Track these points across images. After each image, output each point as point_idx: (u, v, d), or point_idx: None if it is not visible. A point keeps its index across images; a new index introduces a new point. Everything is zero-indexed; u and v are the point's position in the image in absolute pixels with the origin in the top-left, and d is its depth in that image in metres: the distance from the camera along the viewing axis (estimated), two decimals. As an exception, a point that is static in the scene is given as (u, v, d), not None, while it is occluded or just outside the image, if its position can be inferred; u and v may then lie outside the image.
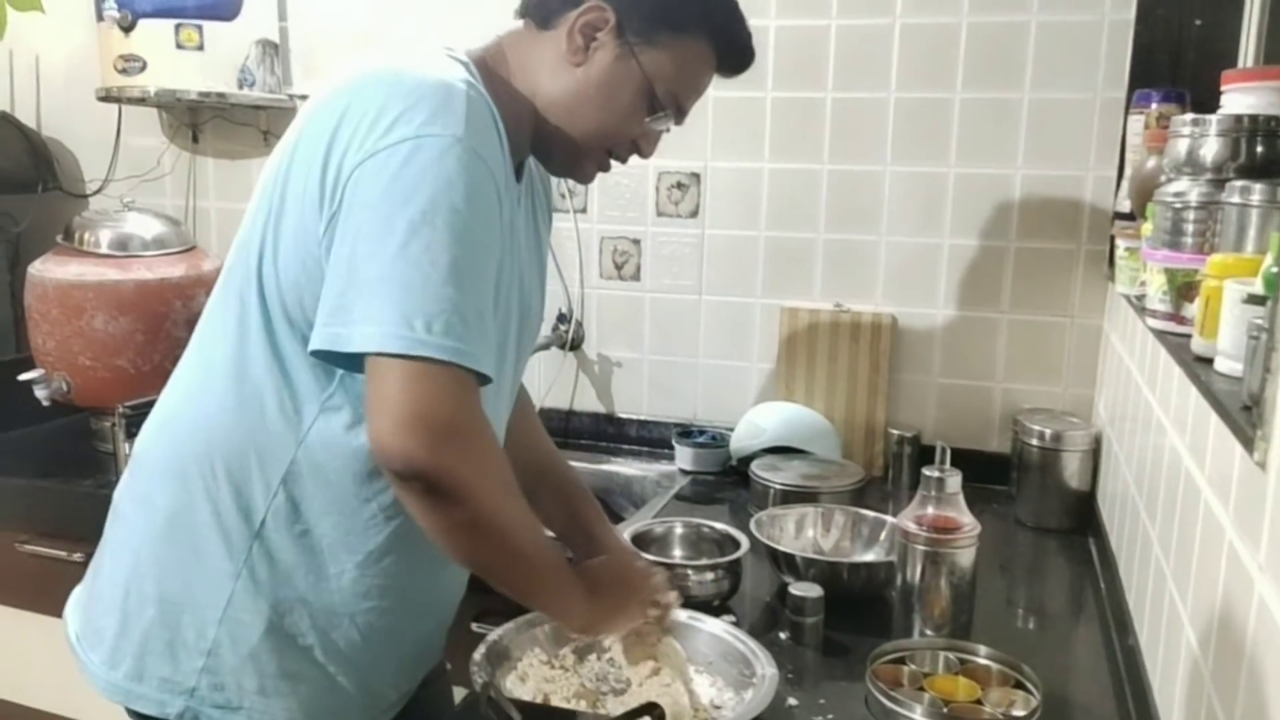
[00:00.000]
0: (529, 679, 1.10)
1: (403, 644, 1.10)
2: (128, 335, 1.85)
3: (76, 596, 1.15)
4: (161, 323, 1.88)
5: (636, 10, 1.03)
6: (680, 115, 1.10)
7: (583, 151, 1.09)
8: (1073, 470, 1.68)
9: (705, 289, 2.05)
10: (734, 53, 1.10)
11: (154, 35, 2.03)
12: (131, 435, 1.77)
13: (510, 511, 0.95)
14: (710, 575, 1.34)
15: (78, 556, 1.78)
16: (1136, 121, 1.61)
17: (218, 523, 1.00)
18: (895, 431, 1.89)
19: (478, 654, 1.10)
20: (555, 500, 1.31)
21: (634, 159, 1.13)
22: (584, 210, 2.09)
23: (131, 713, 1.04)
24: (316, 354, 0.91)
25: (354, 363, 0.90)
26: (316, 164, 0.92)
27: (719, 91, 1.92)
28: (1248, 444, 0.71)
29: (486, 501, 0.91)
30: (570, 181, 2.04)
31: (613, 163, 1.12)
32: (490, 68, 1.05)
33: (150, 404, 1.78)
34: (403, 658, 1.12)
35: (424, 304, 0.85)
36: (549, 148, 1.09)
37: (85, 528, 1.78)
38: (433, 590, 1.12)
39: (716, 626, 1.19)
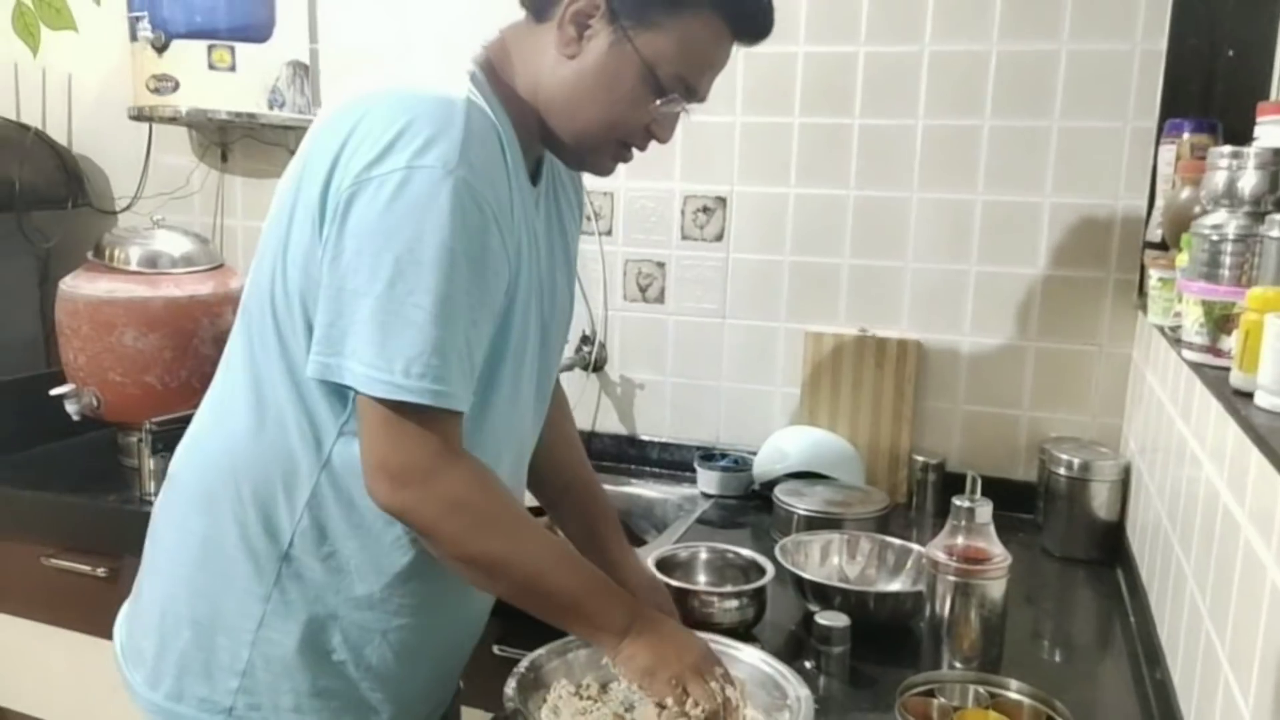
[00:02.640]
0: (561, 713, 1.08)
1: (434, 659, 1.11)
2: (156, 352, 1.86)
3: (124, 613, 1.17)
4: (189, 340, 1.89)
5: None
6: (692, 95, 1.04)
7: (593, 144, 1.05)
8: (1101, 500, 1.67)
9: (729, 312, 2.04)
10: (746, 18, 1.02)
11: (187, 55, 2.05)
12: (158, 451, 1.78)
13: (497, 546, 0.96)
14: (735, 602, 1.33)
15: (102, 571, 1.79)
16: (1168, 151, 1.60)
17: (246, 546, 1.01)
18: (920, 458, 1.88)
19: (510, 686, 1.07)
20: (575, 517, 1.31)
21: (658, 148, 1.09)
22: (609, 233, 2.10)
23: None
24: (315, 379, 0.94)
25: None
26: (318, 185, 0.93)
27: (746, 117, 1.96)
28: (1294, 482, 0.71)
29: (459, 539, 0.95)
30: (596, 204, 2.06)
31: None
32: (495, 68, 1.03)
33: (177, 420, 1.80)
34: (435, 671, 1.13)
35: (406, 346, 0.88)
36: (558, 144, 1.06)
37: (111, 542, 1.80)
38: (463, 606, 1.12)
39: (746, 651, 1.17)
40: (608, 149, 1.07)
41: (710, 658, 1.08)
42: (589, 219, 2.07)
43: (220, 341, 1.93)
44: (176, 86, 2.09)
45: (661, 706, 1.02)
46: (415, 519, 0.94)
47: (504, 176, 0.95)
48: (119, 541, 1.80)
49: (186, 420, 1.81)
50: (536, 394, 1.15)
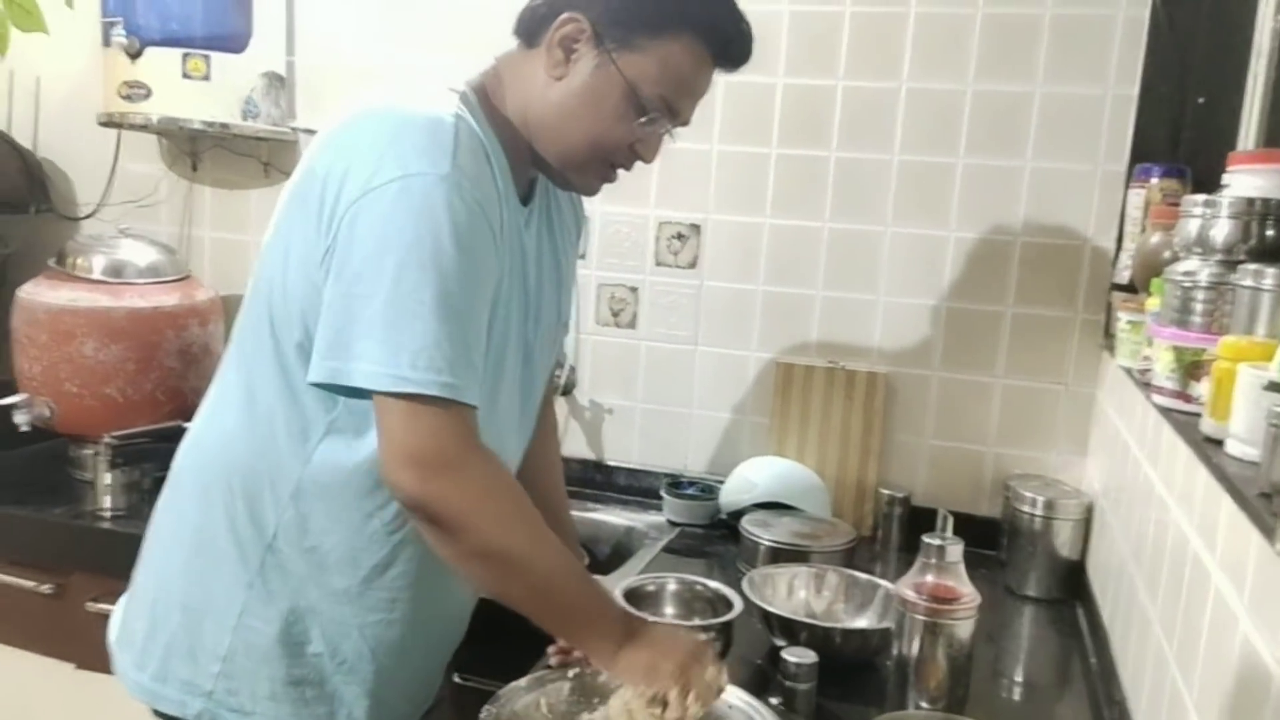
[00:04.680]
0: None
1: (411, 657, 1.13)
2: (118, 363, 1.82)
3: (120, 603, 1.21)
4: (154, 352, 1.85)
5: (611, 16, 1.03)
6: (674, 116, 1.09)
7: (579, 163, 1.10)
8: (1064, 539, 1.68)
9: (701, 340, 2.04)
10: (726, 44, 1.07)
11: (161, 63, 2.02)
12: (116, 465, 1.74)
13: (521, 543, 0.99)
14: (702, 636, 1.31)
15: (47, 588, 1.74)
16: (1137, 195, 1.63)
17: (234, 535, 1.06)
18: (886, 491, 1.88)
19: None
20: None
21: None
22: (583, 257, 2.09)
23: (156, 713, 1.10)
24: (317, 385, 0.96)
25: (356, 391, 0.94)
26: (316, 199, 0.97)
27: (723, 146, 1.96)
28: (1268, 532, 0.71)
29: (487, 531, 0.96)
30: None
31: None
32: (488, 93, 1.08)
33: (140, 434, 1.77)
34: (414, 670, 1.15)
35: (410, 341, 0.91)
36: (547, 163, 1.10)
37: (58, 558, 1.75)
38: (440, 603, 1.14)
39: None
40: (594, 168, 1.11)
41: (703, 648, 1.09)
42: (563, 242, 2.06)
43: (186, 354, 1.92)
44: (149, 94, 2.06)
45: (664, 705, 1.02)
46: (444, 508, 0.94)
47: (493, 186, 1.00)
48: (68, 557, 1.75)
49: (149, 434, 1.78)
50: (521, 412, 1.17)
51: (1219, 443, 0.90)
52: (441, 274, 0.92)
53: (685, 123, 1.11)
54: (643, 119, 1.06)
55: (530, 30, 1.08)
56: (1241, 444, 0.85)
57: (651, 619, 1.17)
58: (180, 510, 1.12)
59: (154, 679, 1.09)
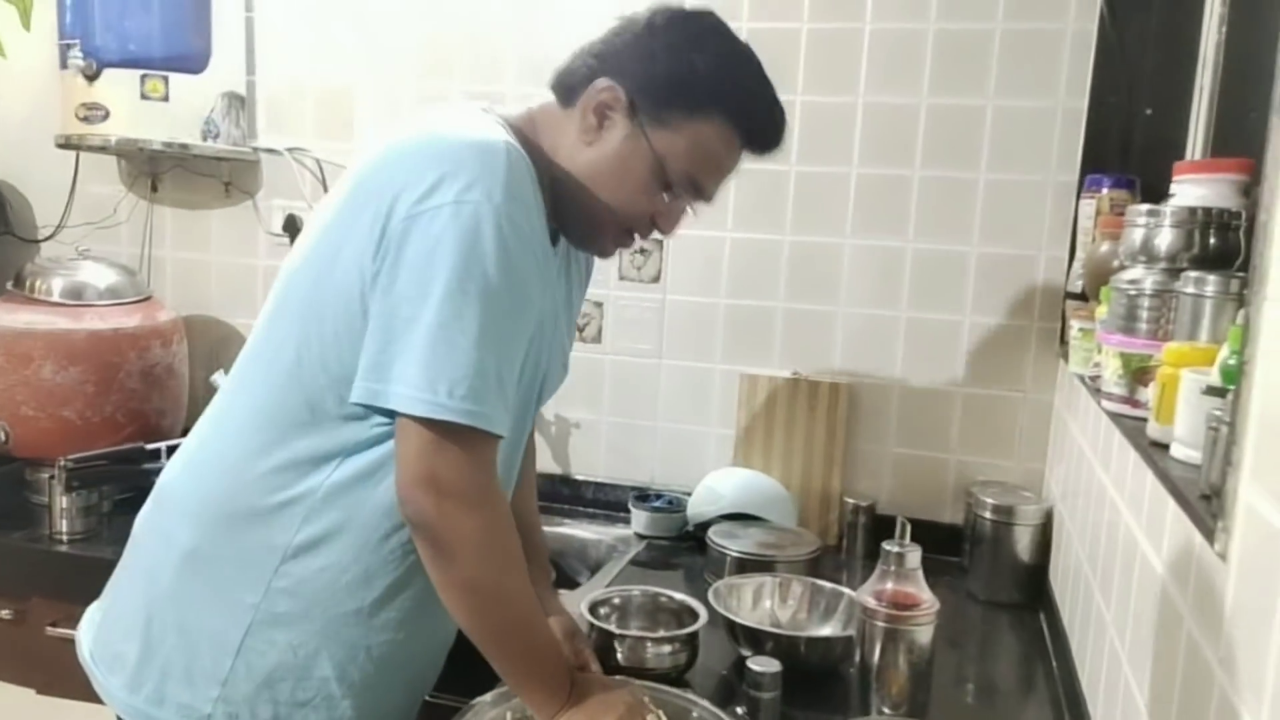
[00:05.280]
0: None
1: (411, 669, 1.14)
2: (76, 386, 1.80)
3: (90, 616, 1.19)
4: (114, 374, 1.84)
5: (648, 91, 1.05)
6: (699, 194, 1.11)
7: (599, 226, 1.12)
8: (1025, 544, 1.70)
9: (665, 353, 2.06)
10: (757, 133, 1.10)
11: (119, 85, 2.01)
12: (72, 488, 1.72)
13: (509, 584, 1.00)
14: (668, 648, 1.32)
15: (6, 614, 1.72)
16: (1088, 205, 1.66)
17: (240, 558, 1.04)
18: (850, 500, 1.90)
19: None
20: None
21: None
22: (546, 272, 2.09)
23: None
24: (358, 405, 0.97)
25: (392, 412, 0.96)
26: (365, 224, 0.97)
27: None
28: (1208, 534, 0.73)
29: (484, 567, 0.98)
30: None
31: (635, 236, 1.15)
32: (524, 134, 1.08)
33: (97, 457, 1.75)
34: (408, 686, 1.16)
35: (450, 370, 0.92)
36: (566, 220, 1.12)
37: (16, 582, 1.73)
38: (439, 621, 1.12)
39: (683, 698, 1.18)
40: (612, 233, 1.13)
41: (637, 707, 1.09)
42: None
43: (148, 375, 1.91)
44: (107, 115, 2.05)
45: None
46: (450, 535, 0.96)
47: (540, 217, 1.01)
48: (26, 582, 1.73)
49: (107, 456, 1.76)
50: (525, 438, 1.21)
51: (1165, 446, 0.92)
52: (486, 303, 0.93)
53: (709, 201, 1.13)
54: (667, 194, 1.08)
55: (567, 90, 1.10)
56: (1185, 447, 0.87)
57: (592, 676, 1.16)
58: (170, 531, 1.09)
59: (149, 702, 1.07)
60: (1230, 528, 0.69)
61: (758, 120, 1.10)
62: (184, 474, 1.12)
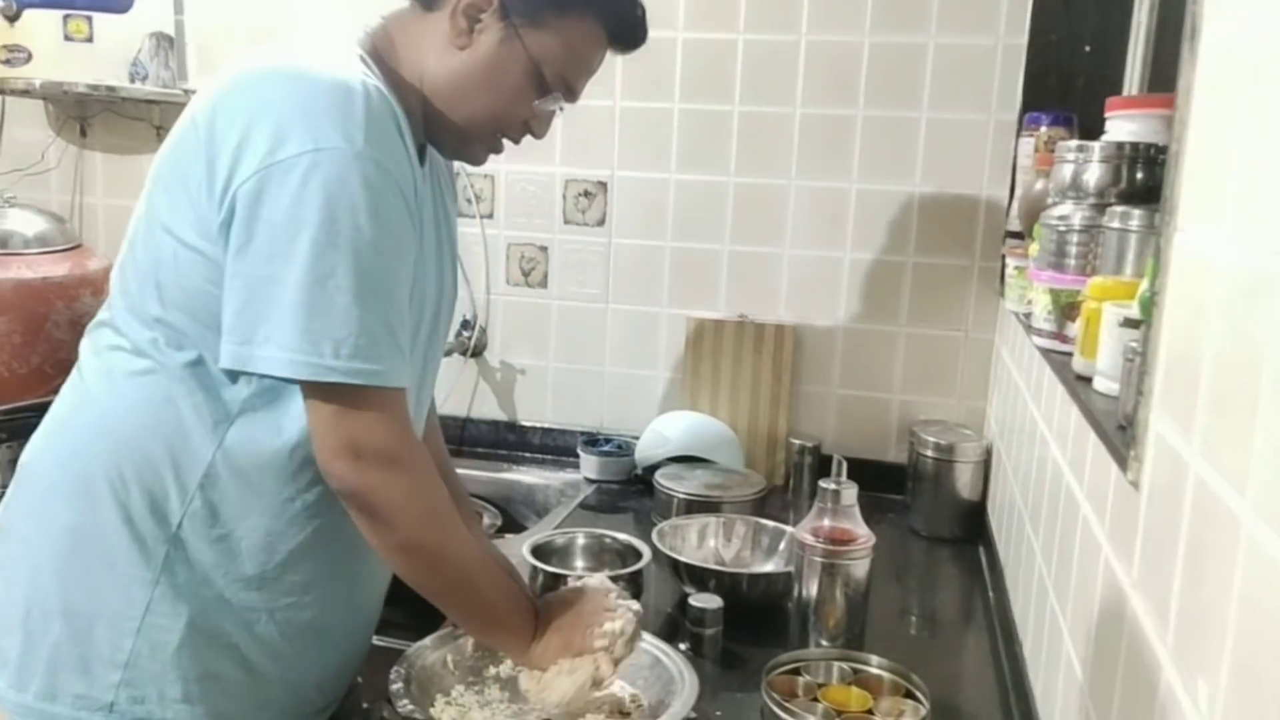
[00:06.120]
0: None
1: (324, 640, 1.09)
2: (3, 337, 1.76)
3: None
4: (41, 324, 1.79)
5: None
6: (571, 95, 1.09)
7: (472, 135, 1.09)
8: (965, 481, 1.73)
9: (612, 298, 2.05)
10: (624, 29, 1.08)
11: (41, 26, 1.95)
12: (3, 441, 1.69)
13: (449, 538, 1.00)
14: (604, 583, 1.33)
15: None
16: (1027, 143, 1.66)
17: (130, 530, 0.97)
18: (796, 441, 1.92)
19: (395, 685, 1.08)
20: None
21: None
22: (490, 215, 2.07)
23: None
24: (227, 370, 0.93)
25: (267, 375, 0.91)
26: (205, 166, 0.91)
27: (626, 102, 1.96)
28: (1122, 463, 0.74)
29: (418, 527, 0.97)
30: (477, 187, 2.04)
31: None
32: (380, 55, 1.04)
33: (27, 408, 1.71)
34: (325, 655, 1.10)
35: (332, 329, 0.88)
36: (437, 132, 1.08)
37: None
38: (353, 586, 1.11)
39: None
40: (485, 140, 1.10)
41: (596, 595, 1.11)
42: (469, 201, 2.05)
43: (77, 325, 1.86)
44: (29, 58, 1.98)
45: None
46: (377, 499, 0.94)
47: (404, 156, 0.97)
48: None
49: (37, 408, 1.72)
50: (424, 379, 1.15)
51: (1089, 380, 0.94)
52: (359, 255, 0.89)
53: (575, 101, 1.11)
54: (542, 97, 1.06)
55: None
56: (1106, 380, 0.89)
57: (552, 596, 1.15)
58: (42, 509, 1.01)
59: (39, 698, 0.99)
60: (1142, 456, 0.70)
61: (625, 17, 1.08)
62: (51, 445, 1.04)
